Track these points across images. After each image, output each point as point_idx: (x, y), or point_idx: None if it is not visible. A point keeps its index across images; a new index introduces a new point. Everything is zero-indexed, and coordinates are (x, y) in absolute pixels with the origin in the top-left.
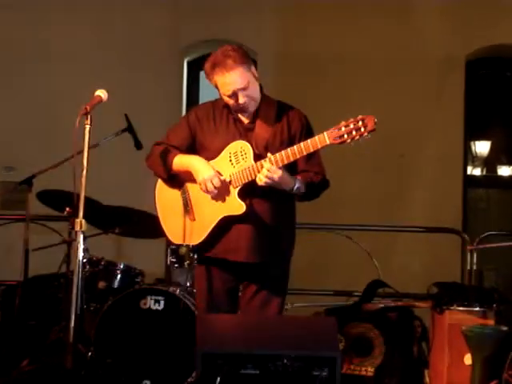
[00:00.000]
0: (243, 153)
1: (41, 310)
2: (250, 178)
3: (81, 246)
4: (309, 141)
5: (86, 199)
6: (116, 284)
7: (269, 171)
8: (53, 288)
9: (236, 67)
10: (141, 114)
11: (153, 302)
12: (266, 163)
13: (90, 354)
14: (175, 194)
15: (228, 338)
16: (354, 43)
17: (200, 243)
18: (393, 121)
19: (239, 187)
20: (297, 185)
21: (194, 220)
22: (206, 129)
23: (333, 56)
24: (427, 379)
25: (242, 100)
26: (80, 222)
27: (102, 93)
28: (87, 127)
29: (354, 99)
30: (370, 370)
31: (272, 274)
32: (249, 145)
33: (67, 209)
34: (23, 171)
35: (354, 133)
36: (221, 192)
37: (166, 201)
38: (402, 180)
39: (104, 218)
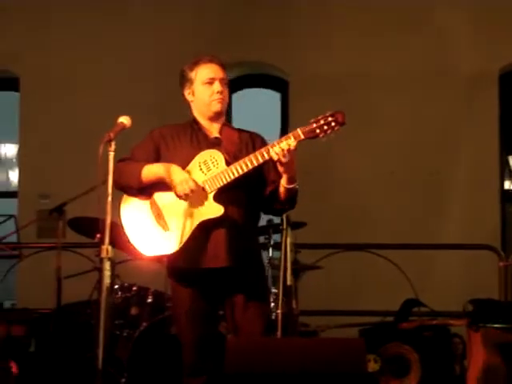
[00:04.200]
0: (214, 160)
1: (74, 337)
2: (224, 181)
3: (107, 273)
4: (284, 138)
5: (116, 225)
6: (148, 309)
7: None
8: (85, 315)
9: (221, 66)
10: None
11: None
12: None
13: (123, 380)
14: (142, 207)
15: (255, 359)
16: (385, 60)
17: (177, 254)
18: (425, 137)
19: (214, 191)
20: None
21: (168, 230)
22: (170, 146)
23: (362, 75)
24: None
25: (219, 87)
26: (106, 248)
27: (125, 119)
28: (111, 154)
29: (385, 116)
30: None
31: (253, 282)
32: (219, 152)
33: (98, 235)
34: (59, 199)
35: (325, 127)
36: (195, 198)
37: (133, 216)
38: (436, 197)
39: None
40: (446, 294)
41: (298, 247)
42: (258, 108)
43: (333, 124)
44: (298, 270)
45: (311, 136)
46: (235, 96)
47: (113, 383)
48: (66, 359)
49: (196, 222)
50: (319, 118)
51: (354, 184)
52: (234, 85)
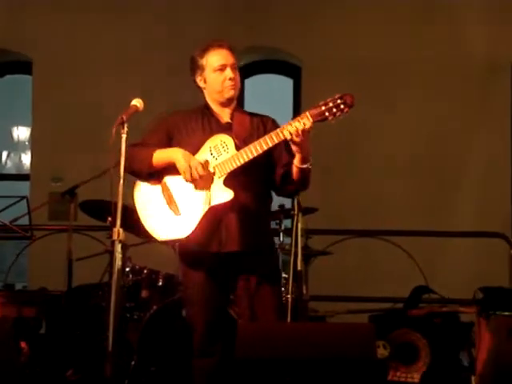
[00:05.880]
0: (224, 145)
1: (85, 319)
2: (235, 166)
3: (119, 255)
4: (292, 122)
5: (128, 208)
6: (159, 292)
7: (305, 124)
8: (96, 297)
9: (230, 50)
10: None
11: None
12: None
13: (133, 362)
14: (154, 192)
15: (265, 344)
16: (397, 47)
17: (188, 238)
18: (438, 125)
19: (224, 176)
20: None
21: (179, 214)
22: (182, 131)
23: (375, 62)
24: None
25: (231, 74)
26: (117, 231)
27: (137, 102)
28: (124, 136)
29: (397, 103)
30: (416, 377)
31: (265, 265)
32: (229, 136)
33: (109, 218)
34: (71, 182)
35: (334, 110)
36: (205, 182)
37: (145, 200)
38: (449, 185)
39: None
40: (456, 281)
41: (308, 233)
42: (271, 94)
43: (342, 106)
44: (309, 255)
45: (320, 119)
46: (248, 81)
47: (123, 365)
48: (77, 341)
49: (206, 207)
50: (328, 100)
51: (366, 170)
52: (246, 70)
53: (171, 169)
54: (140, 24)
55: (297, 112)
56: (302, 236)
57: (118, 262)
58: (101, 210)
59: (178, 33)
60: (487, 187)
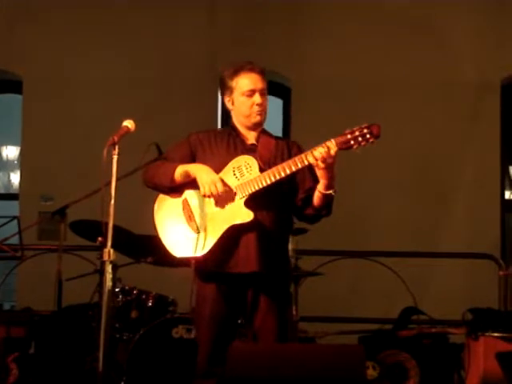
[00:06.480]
0: (248, 166)
1: (74, 339)
2: (257, 188)
3: (109, 276)
4: (317, 148)
5: (118, 229)
6: (148, 313)
7: (331, 149)
8: (86, 318)
9: (261, 75)
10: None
11: (185, 330)
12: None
13: (122, 383)
14: (175, 208)
15: (255, 364)
16: (387, 70)
17: (205, 256)
18: (428, 146)
19: (246, 197)
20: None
21: (199, 232)
22: (207, 151)
23: (365, 84)
24: None
25: (259, 100)
26: (108, 251)
27: (129, 123)
28: (115, 157)
29: (386, 125)
30: None
31: (277, 289)
32: (253, 158)
33: (99, 238)
34: (60, 202)
35: (360, 139)
36: (225, 200)
37: (165, 216)
38: (438, 206)
39: (136, 247)
40: (445, 302)
41: (298, 253)
42: None
43: (368, 136)
44: (299, 276)
45: (345, 147)
46: None
47: None
48: (66, 361)
49: (225, 226)
50: (355, 129)
51: (356, 192)
52: None
53: (193, 184)
54: (133, 45)
55: (286, 132)
56: (292, 256)
57: (109, 283)
58: (91, 230)
59: (171, 55)
60: (476, 208)
